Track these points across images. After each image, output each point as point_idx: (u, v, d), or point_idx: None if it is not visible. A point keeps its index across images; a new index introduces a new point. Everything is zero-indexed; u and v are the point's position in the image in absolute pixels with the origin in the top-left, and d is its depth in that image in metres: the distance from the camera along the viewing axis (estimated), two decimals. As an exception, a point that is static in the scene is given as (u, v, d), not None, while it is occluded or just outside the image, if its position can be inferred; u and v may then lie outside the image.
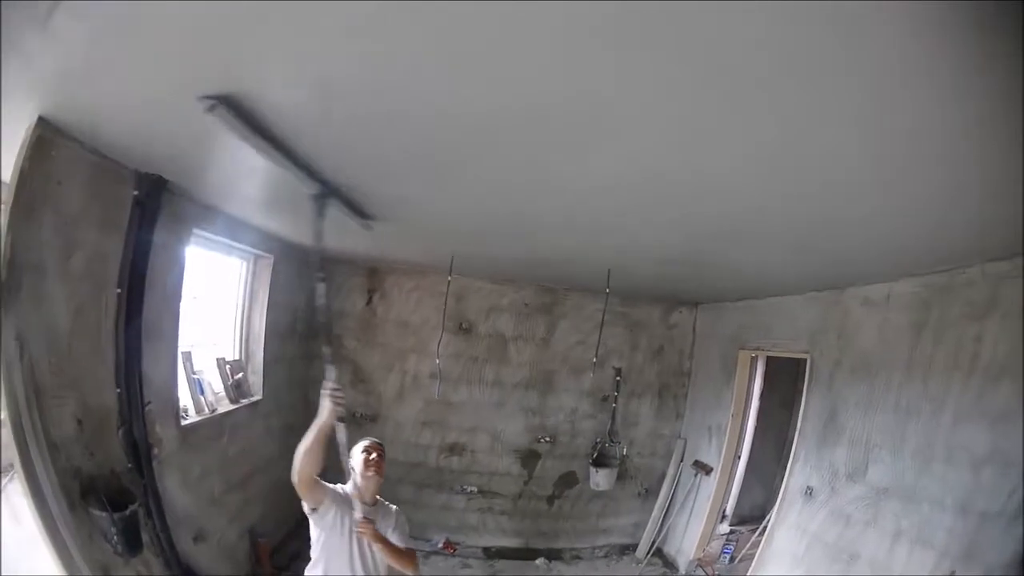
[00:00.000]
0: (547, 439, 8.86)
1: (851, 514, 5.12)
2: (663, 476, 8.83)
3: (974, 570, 3.89)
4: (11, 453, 3.31)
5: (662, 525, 8.59)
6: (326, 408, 3.59)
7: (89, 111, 3.21)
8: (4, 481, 3.56)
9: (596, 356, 7.12)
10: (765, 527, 6.53)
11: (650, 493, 8.88)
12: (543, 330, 8.84)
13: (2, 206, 3.28)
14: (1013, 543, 3.70)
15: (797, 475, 5.99)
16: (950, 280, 4.48)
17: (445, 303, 7.46)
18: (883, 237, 3.75)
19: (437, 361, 7.40)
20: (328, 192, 4.09)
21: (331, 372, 3.83)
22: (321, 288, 4.73)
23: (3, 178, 3.39)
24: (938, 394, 4.47)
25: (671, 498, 8.62)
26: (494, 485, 8.88)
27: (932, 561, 4.20)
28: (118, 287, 4.28)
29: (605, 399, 8.88)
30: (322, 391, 3.63)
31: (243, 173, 4.10)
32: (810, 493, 5.70)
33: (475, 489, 8.83)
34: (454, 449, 8.84)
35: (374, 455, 4.06)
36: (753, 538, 7.19)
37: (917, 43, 1.65)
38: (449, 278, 6.89)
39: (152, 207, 4.40)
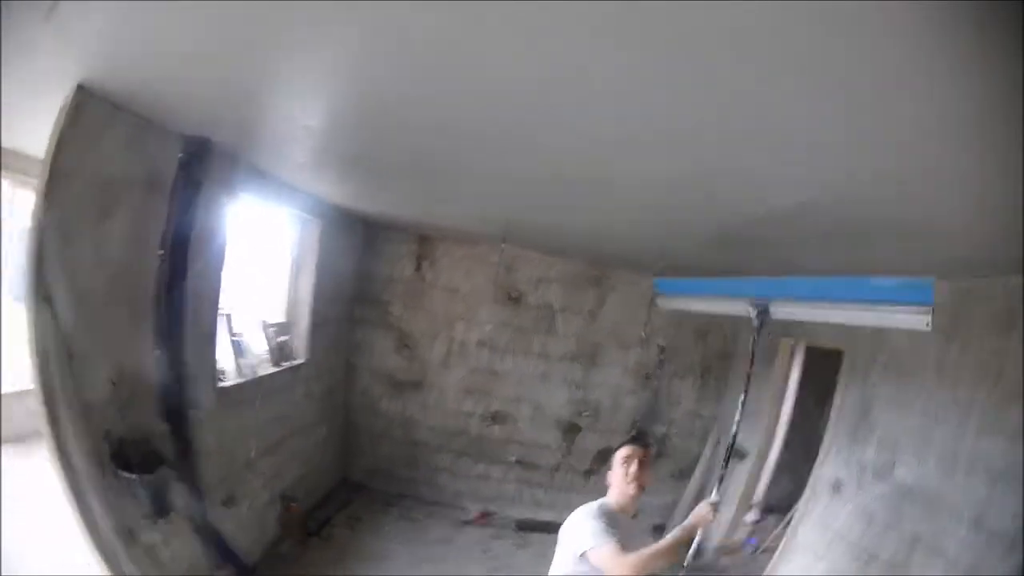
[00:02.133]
0: (589, 413, 8.73)
1: (874, 513, 4.97)
2: (698, 458, 8.63)
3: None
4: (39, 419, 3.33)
5: (693, 507, 8.25)
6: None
7: (130, 76, 3.14)
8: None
9: (644, 332, 6.92)
10: (790, 520, 6.37)
11: (684, 475, 8.68)
12: (591, 303, 8.67)
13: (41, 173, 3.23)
14: (1013, 569, 3.58)
15: (827, 469, 5.81)
16: (980, 288, 4.32)
17: (498, 271, 7.36)
18: (917, 234, 3.56)
19: (488, 327, 7.27)
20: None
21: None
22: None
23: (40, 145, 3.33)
24: (964, 402, 4.30)
25: (704, 481, 8.39)
26: (533, 456, 8.79)
27: (940, 572, 4.08)
28: (161, 249, 4.24)
29: (648, 377, 8.69)
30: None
31: (290, 135, 4.02)
32: (838, 488, 5.53)
33: (514, 459, 8.76)
34: (496, 418, 8.77)
35: (635, 466, 3.41)
36: (777, 530, 7.04)
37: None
38: (503, 245, 6.76)
39: (198, 169, 4.33)
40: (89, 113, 3.30)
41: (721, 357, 8.71)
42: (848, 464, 5.49)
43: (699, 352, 8.72)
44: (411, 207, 6.57)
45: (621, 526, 3.05)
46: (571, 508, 7.85)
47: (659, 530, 8.45)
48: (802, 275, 4.85)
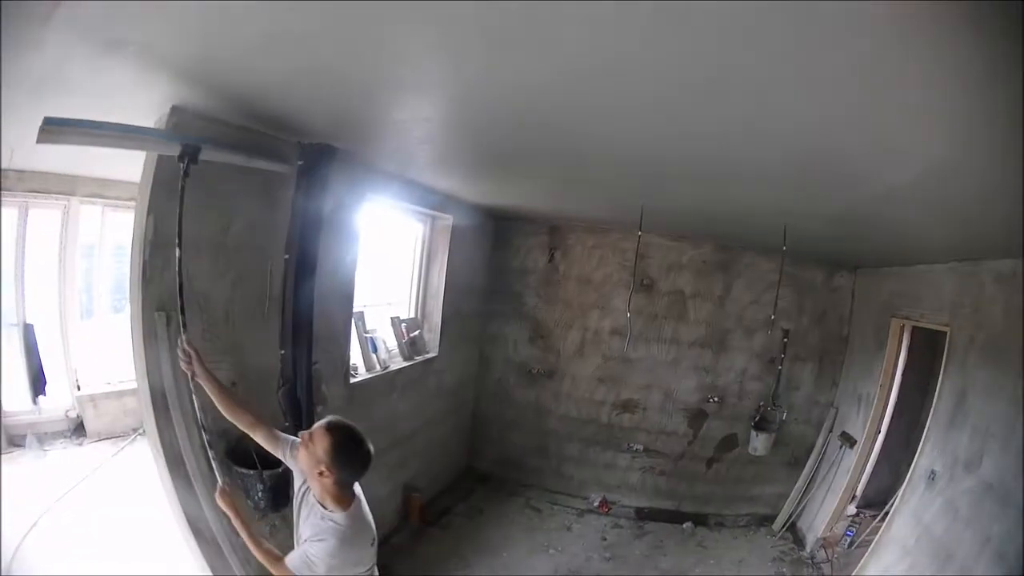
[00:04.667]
0: (716, 399, 8.45)
1: (959, 508, 4.60)
2: (813, 445, 8.22)
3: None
4: (146, 417, 3.46)
5: (802, 498, 8.02)
6: None
7: (230, 91, 3.18)
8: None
9: (773, 314, 6.62)
10: (887, 512, 5.95)
11: (798, 463, 8.28)
12: (720, 288, 8.39)
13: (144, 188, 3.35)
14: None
15: (925, 458, 5.37)
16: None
17: (636, 258, 7.16)
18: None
19: (628, 315, 7.14)
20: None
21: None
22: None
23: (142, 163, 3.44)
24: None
25: (815, 470, 8.04)
26: (659, 444, 8.58)
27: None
28: (286, 254, 4.34)
29: (772, 361, 8.32)
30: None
31: (413, 137, 4.00)
32: (932, 479, 5.11)
33: (641, 447, 8.58)
34: (627, 406, 8.59)
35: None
36: (875, 523, 6.56)
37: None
38: (639, 233, 6.62)
39: (320, 175, 4.38)
40: (188, 130, 3.37)
41: (836, 340, 8.24)
42: (943, 454, 5.09)
43: (817, 335, 8.29)
44: (543, 199, 6.50)
45: None
46: (691, 497, 7.57)
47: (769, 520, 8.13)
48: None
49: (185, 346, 3.08)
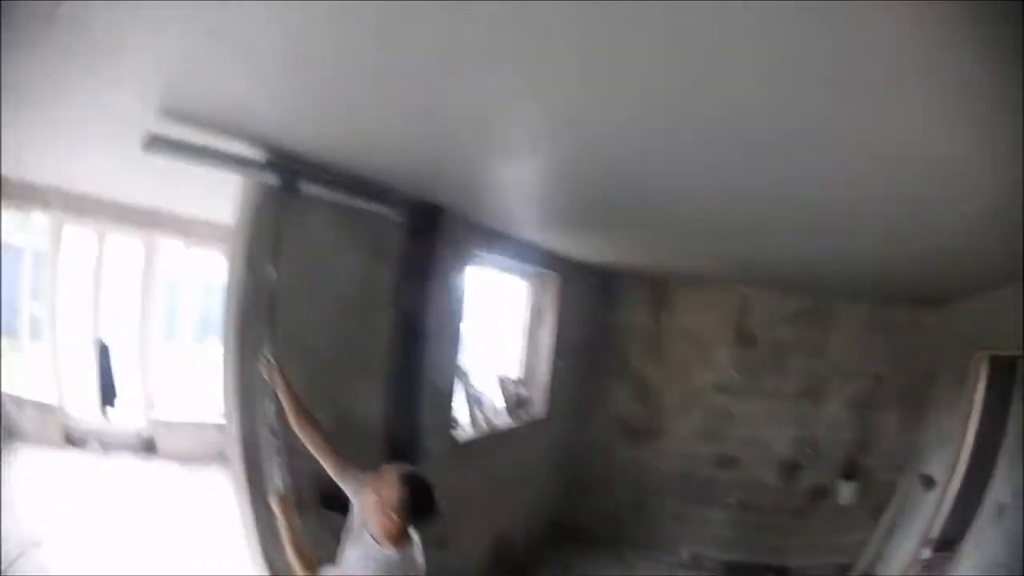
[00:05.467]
0: (810, 450, 8.24)
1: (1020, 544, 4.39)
2: (894, 489, 7.85)
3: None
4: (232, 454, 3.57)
5: (881, 545, 7.65)
6: None
7: (343, 143, 3.33)
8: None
9: (865, 360, 6.79)
10: (958, 550, 5.72)
11: (880, 509, 7.91)
12: (817, 337, 8.22)
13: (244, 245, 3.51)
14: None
15: (995, 492, 5.16)
16: None
17: (737, 312, 7.21)
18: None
19: (732, 371, 6.96)
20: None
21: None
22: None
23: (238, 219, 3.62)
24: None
25: (895, 515, 7.65)
26: (754, 497, 8.38)
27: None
28: (393, 309, 4.41)
29: (863, 407, 8.09)
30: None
31: (521, 195, 4.10)
32: (1002, 513, 4.88)
33: (735, 501, 8.40)
34: (725, 461, 8.45)
35: None
36: (945, 565, 6.14)
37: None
38: (741, 289, 6.46)
39: (427, 233, 4.45)
40: (291, 190, 3.43)
41: (924, 379, 7.75)
42: (1012, 485, 4.90)
43: (906, 376, 7.94)
44: (647, 254, 6.51)
45: None
46: (779, 549, 7.45)
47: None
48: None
49: (269, 357, 3.22)
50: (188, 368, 8.42)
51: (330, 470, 3.06)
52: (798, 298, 8.16)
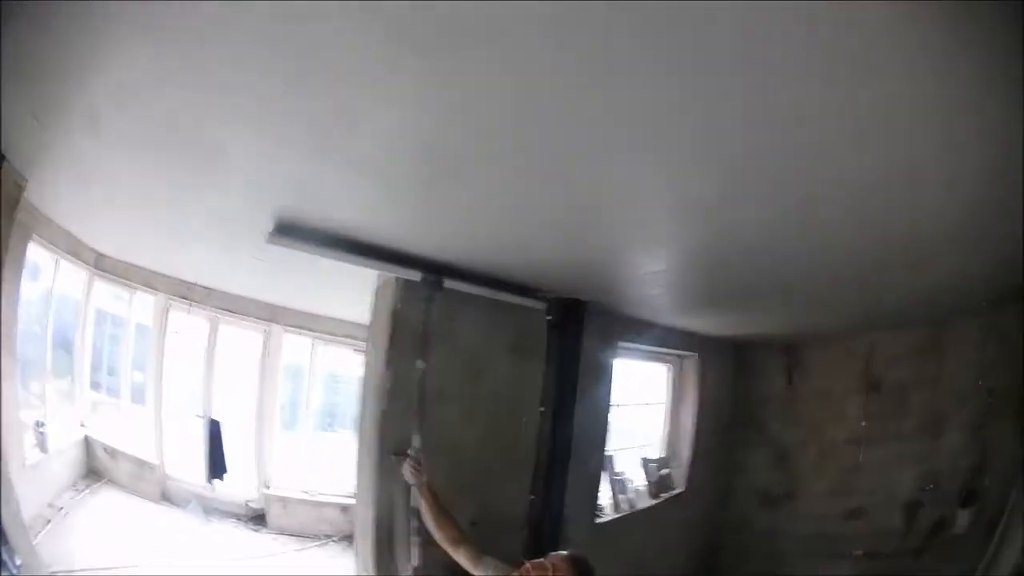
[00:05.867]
0: (930, 485, 7.61)
1: None
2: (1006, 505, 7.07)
3: None
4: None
5: (986, 570, 6.88)
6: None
7: (483, 247, 3.43)
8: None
9: (980, 380, 6.37)
10: None
11: (993, 526, 7.01)
12: (932, 368, 7.66)
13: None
14: None
15: None
16: None
17: (864, 361, 7.09)
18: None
19: (860, 421, 6.95)
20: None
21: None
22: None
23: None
24: None
25: (1004, 537, 6.88)
26: (878, 545, 7.83)
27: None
28: (541, 405, 4.47)
29: (979, 428, 7.42)
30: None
31: (658, 283, 4.13)
32: None
33: (860, 552, 7.88)
34: (853, 513, 7.96)
35: None
36: None
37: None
38: (868, 336, 6.29)
39: (571, 328, 4.52)
40: (429, 292, 3.54)
41: None
42: None
43: (1017, 388, 7.16)
44: (779, 323, 6.57)
45: None
46: None
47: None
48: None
49: (415, 455, 3.33)
50: (307, 453, 8.42)
51: (466, 563, 3.06)
52: (910, 332, 7.78)
